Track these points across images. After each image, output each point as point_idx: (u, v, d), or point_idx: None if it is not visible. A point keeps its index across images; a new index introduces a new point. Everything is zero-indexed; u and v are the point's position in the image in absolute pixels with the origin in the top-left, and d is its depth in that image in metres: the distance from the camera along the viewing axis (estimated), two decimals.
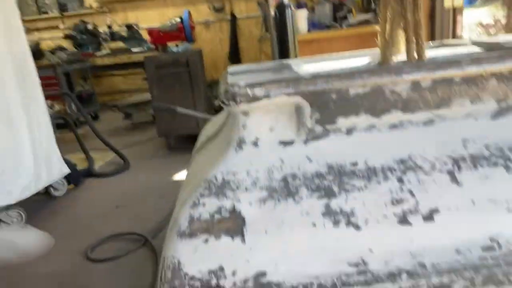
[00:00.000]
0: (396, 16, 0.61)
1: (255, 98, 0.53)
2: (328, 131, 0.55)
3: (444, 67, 0.54)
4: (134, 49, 5.90)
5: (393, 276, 0.44)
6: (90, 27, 6.03)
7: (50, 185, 2.91)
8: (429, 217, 0.48)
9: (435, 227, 0.48)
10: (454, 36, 2.76)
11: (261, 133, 0.55)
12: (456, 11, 2.74)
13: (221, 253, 0.47)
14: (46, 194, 3.03)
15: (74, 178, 3.13)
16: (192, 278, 0.46)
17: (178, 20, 3.83)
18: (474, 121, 0.55)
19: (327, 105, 0.54)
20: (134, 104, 4.71)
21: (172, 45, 3.98)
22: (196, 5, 6.44)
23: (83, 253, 2.35)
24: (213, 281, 0.46)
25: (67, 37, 5.96)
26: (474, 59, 0.54)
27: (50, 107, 4.28)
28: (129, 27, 6.15)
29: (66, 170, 2.96)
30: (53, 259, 2.34)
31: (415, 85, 0.54)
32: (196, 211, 0.49)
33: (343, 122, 0.55)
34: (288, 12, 1.88)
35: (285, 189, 0.51)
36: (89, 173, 3.45)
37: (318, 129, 0.55)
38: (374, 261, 0.46)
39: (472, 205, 0.49)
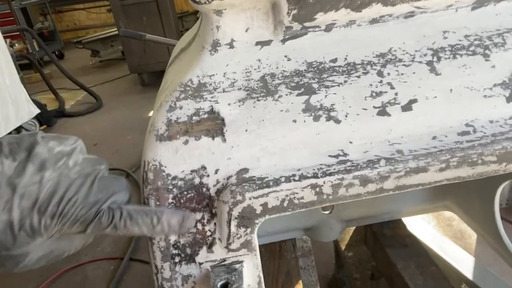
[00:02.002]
0: None
1: None
2: (307, 28, 0.53)
3: None
4: None
5: (371, 163, 0.45)
6: None
7: (21, 127, 2.83)
8: (407, 107, 0.48)
9: (413, 116, 0.48)
10: None
11: (236, 34, 0.52)
12: None
13: (203, 153, 0.46)
14: None
15: (46, 118, 3.03)
16: (175, 178, 0.46)
17: None
18: (454, 12, 0.54)
19: (305, 1, 0.51)
20: (100, 39, 4.44)
21: None
22: None
23: None
24: (196, 180, 0.46)
25: None
26: None
27: (10, 45, 4.00)
28: None
29: (36, 111, 2.86)
30: None
31: None
32: (174, 114, 0.47)
33: (322, 18, 0.53)
34: None
35: (264, 88, 0.49)
36: (61, 113, 3.34)
37: (296, 27, 0.53)
38: (354, 152, 0.47)
39: (450, 94, 0.49)
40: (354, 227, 1.55)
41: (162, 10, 3.58)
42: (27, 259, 0.40)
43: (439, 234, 1.52)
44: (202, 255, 0.47)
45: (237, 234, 0.46)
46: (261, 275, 0.49)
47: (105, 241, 2.05)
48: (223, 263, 0.47)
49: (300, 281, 1.21)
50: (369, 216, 1.37)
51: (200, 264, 0.47)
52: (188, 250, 0.47)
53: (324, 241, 1.36)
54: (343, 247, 1.49)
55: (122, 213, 0.41)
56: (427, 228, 1.48)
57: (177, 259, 0.47)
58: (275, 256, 1.34)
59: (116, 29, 4.24)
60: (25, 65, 4.65)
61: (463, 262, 1.34)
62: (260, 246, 1.43)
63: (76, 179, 0.40)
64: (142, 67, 3.90)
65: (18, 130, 2.98)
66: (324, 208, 1.32)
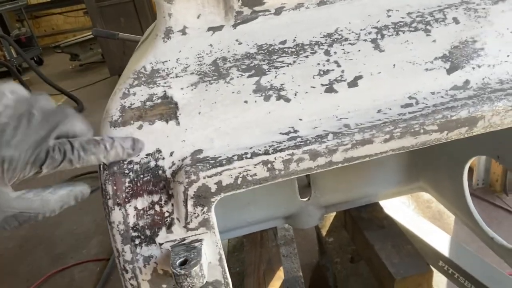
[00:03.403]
0: None
1: None
2: (257, 12, 0.55)
3: None
4: None
5: (320, 138, 0.47)
6: None
7: None
8: (353, 83, 0.51)
9: (359, 92, 0.50)
10: None
11: (188, 21, 0.53)
12: None
13: (157, 137, 0.48)
14: None
15: None
16: (130, 162, 0.47)
17: None
18: None
19: None
20: (78, 43, 4.40)
21: None
22: None
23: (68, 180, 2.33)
24: (152, 163, 0.47)
25: None
26: None
27: None
28: None
29: None
30: None
31: None
32: (127, 101, 0.49)
33: (271, 2, 0.54)
34: None
35: (216, 72, 0.51)
36: None
37: (247, 11, 0.54)
38: (304, 128, 0.49)
39: (393, 69, 0.51)
40: (334, 214, 1.58)
41: (139, 11, 3.55)
42: None
43: (416, 215, 1.56)
44: (162, 236, 0.49)
45: (194, 213, 0.48)
46: (222, 252, 0.51)
47: (91, 243, 2.05)
48: (182, 243, 0.49)
49: (281, 268, 1.23)
50: (347, 201, 1.40)
51: (161, 244, 0.49)
52: (148, 232, 0.48)
53: (304, 228, 1.39)
54: (324, 233, 1.52)
55: (74, 146, 0.40)
56: (405, 210, 1.52)
57: (137, 241, 0.48)
58: (256, 245, 1.36)
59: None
60: (3, 72, 4.57)
61: (440, 241, 1.38)
62: (242, 237, 1.45)
63: (9, 123, 0.37)
64: (122, 69, 3.85)
65: None
66: (302, 195, 1.35)
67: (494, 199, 1.86)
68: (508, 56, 0.52)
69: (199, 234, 0.49)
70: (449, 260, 1.28)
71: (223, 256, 0.51)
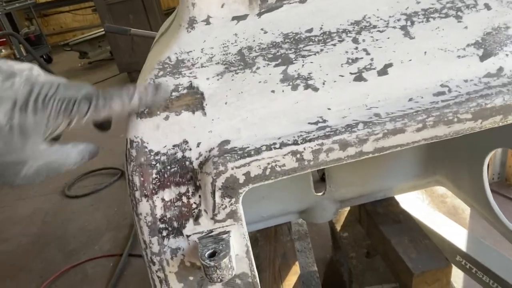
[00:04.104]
0: None
1: None
2: (282, 1, 0.54)
3: None
4: None
5: (350, 127, 0.46)
6: None
7: None
8: (383, 72, 0.49)
9: (389, 80, 0.49)
10: None
11: (212, 11, 0.52)
12: None
13: (184, 128, 0.47)
14: None
15: None
16: (157, 153, 0.47)
17: None
18: None
19: None
20: (87, 40, 4.41)
21: None
22: None
23: (61, 192, 2.36)
24: (179, 154, 0.47)
25: None
26: None
27: None
28: None
29: None
30: (31, 202, 2.34)
31: None
32: None
33: None
34: None
35: (242, 61, 0.50)
36: None
37: (271, 0, 0.53)
38: (333, 118, 0.47)
39: (424, 56, 0.50)
40: (348, 209, 1.57)
41: (148, 8, 3.55)
42: (25, 168, 0.40)
43: (432, 210, 1.54)
44: (189, 228, 0.48)
45: (222, 204, 0.47)
46: (249, 244, 0.50)
47: (103, 239, 2.06)
48: (210, 234, 0.48)
49: (297, 262, 1.22)
50: (362, 195, 1.39)
51: (188, 236, 0.48)
52: (175, 224, 0.48)
53: (319, 222, 1.38)
54: (338, 228, 1.51)
55: (99, 95, 0.42)
56: (420, 205, 1.50)
57: (164, 233, 0.48)
58: (271, 240, 1.35)
59: (103, 29, 4.21)
60: None
61: (457, 236, 1.36)
62: (256, 232, 1.44)
63: (45, 83, 0.41)
64: (131, 66, 3.88)
65: None
66: (317, 189, 1.34)
67: (510, 193, 1.84)
68: None
69: (227, 226, 0.48)
70: (467, 254, 1.26)
71: (250, 248, 0.50)
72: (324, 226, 1.66)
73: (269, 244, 1.33)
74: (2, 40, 4.69)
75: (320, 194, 1.33)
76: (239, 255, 0.49)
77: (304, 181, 1.28)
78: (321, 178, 1.38)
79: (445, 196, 1.95)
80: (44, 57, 5.26)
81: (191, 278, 0.50)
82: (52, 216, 2.29)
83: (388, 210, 1.38)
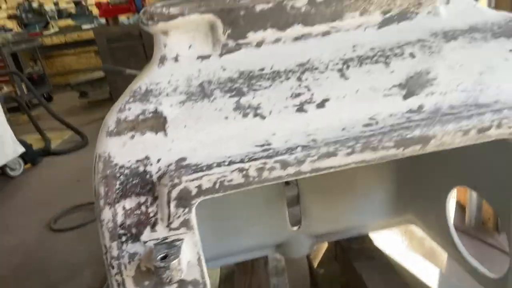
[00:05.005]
0: None
1: (171, 17, 0.60)
2: (240, 45, 0.63)
3: None
4: (84, 26, 5.69)
5: (290, 150, 0.54)
6: (35, 5, 5.73)
7: (6, 166, 2.88)
8: (321, 105, 0.58)
9: (326, 112, 0.57)
10: None
11: (181, 50, 0.62)
12: None
13: (147, 146, 0.55)
14: (2, 175, 2.99)
15: (30, 157, 3.09)
16: (122, 167, 0.54)
17: None
18: (363, 31, 0.65)
19: (237, 22, 0.62)
20: (88, 81, 4.59)
21: (123, 18, 3.88)
22: None
23: (46, 226, 2.38)
24: (141, 168, 0.54)
25: (11, 17, 5.65)
26: None
27: None
28: (77, 3, 5.89)
29: (21, 150, 2.93)
30: (16, 234, 2.35)
31: (311, 1, 0.63)
32: (123, 114, 0.56)
33: (253, 36, 0.63)
34: None
35: (202, 92, 0.59)
36: (46, 151, 3.40)
37: (231, 43, 0.63)
38: (276, 141, 0.55)
39: (356, 94, 0.59)
40: (326, 246, 1.60)
41: (148, 53, 3.75)
42: None
43: (408, 250, 1.57)
44: (146, 234, 0.54)
45: (176, 213, 0.53)
46: (201, 253, 0.56)
47: (84, 273, 2.05)
48: (165, 241, 0.54)
49: None
50: (337, 232, 1.44)
51: (145, 242, 0.54)
52: (134, 230, 0.54)
53: (295, 256, 1.41)
54: (315, 265, 1.54)
55: None
56: (396, 244, 1.54)
57: (123, 239, 0.54)
58: (247, 273, 1.38)
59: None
60: (14, 107, 4.72)
61: (429, 275, 1.39)
62: (234, 265, 1.47)
63: None
64: None
65: (3, 168, 3.01)
66: (292, 223, 1.38)
67: (487, 238, 1.87)
68: (457, 85, 0.59)
69: (180, 234, 0.54)
70: None
71: (202, 257, 0.56)
72: (303, 262, 1.68)
73: (245, 277, 1.35)
74: (5, 78, 4.87)
75: (295, 228, 1.38)
76: (191, 262, 0.55)
77: (280, 215, 1.33)
78: (299, 213, 1.43)
79: (424, 238, 1.98)
80: (45, 95, 5.43)
81: (146, 283, 0.55)
82: (35, 249, 2.29)
83: (362, 247, 1.42)
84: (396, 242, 2.01)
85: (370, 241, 1.43)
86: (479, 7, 0.68)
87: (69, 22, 6.01)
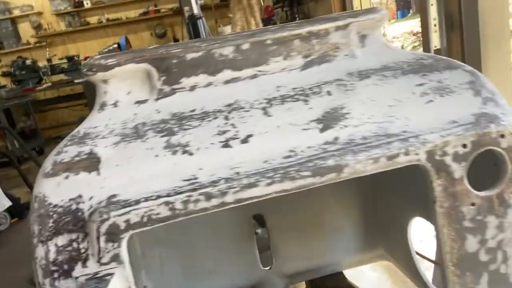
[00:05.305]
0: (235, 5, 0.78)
1: (109, 67, 0.66)
2: (175, 89, 0.70)
3: (257, 34, 0.71)
4: (77, 80, 5.88)
5: (214, 183, 0.58)
6: (29, 62, 5.94)
7: None
8: (245, 140, 0.63)
9: (250, 147, 0.62)
10: None
11: (120, 96, 0.68)
12: None
13: (80, 185, 0.59)
14: None
15: (18, 211, 3.08)
16: (55, 206, 0.57)
17: (116, 46, 3.90)
18: (287, 73, 0.72)
19: (171, 69, 0.69)
20: None
21: None
22: (138, 33, 6.54)
23: (30, 280, 2.32)
24: (73, 206, 0.57)
25: (5, 74, 5.85)
26: (281, 27, 0.72)
27: None
28: (70, 58, 6.13)
29: (8, 204, 2.94)
30: None
31: (237, 48, 0.70)
32: (59, 157, 0.61)
33: (186, 81, 0.70)
34: (200, 23, 2.04)
35: (135, 134, 0.64)
36: None
37: (167, 89, 0.70)
38: (203, 176, 0.60)
39: (277, 129, 0.64)
40: (304, 285, 1.59)
41: None
42: None
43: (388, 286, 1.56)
44: (78, 270, 0.56)
45: (106, 248, 0.56)
46: (133, 286, 0.58)
47: None
48: (96, 276, 0.56)
49: None
50: (309, 270, 1.43)
51: (76, 278, 0.56)
52: (66, 266, 0.56)
53: None
54: None
55: None
56: (371, 279, 1.53)
57: (56, 275, 0.56)
58: None
59: None
60: (5, 162, 4.76)
61: None
62: None
63: None
64: None
65: None
66: (264, 263, 1.39)
67: None
68: (369, 118, 0.65)
69: (111, 268, 0.57)
70: None
71: None
72: None
73: None
74: None
75: (267, 268, 1.37)
76: None
77: (250, 255, 1.34)
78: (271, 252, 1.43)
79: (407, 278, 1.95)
80: (37, 149, 5.49)
81: None
82: None
83: (336, 285, 1.41)
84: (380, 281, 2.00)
85: (344, 278, 1.43)
86: (392, 47, 0.76)
87: (62, 77, 6.21)
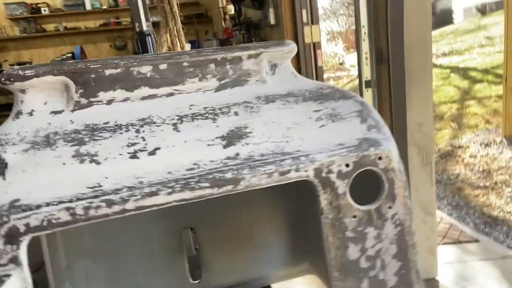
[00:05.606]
0: (163, 26, 0.84)
1: (27, 77, 0.69)
2: (92, 102, 0.74)
3: (175, 56, 0.77)
4: None
5: (117, 190, 0.62)
6: None
7: None
8: (152, 152, 0.68)
9: (156, 159, 0.67)
10: (316, 65, 3.25)
11: (36, 106, 0.71)
12: (315, 45, 3.24)
13: None
14: None
15: None
16: None
17: (70, 55, 3.81)
18: (201, 93, 0.79)
19: (89, 83, 0.73)
20: None
21: None
22: (97, 44, 6.43)
23: None
24: None
25: None
26: (198, 51, 0.78)
27: None
28: (22, 64, 5.88)
29: None
30: None
31: (155, 68, 0.76)
32: None
33: (103, 95, 0.74)
34: (149, 40, 2.08)
35: (46, 142, 0.67)
36: None
37: (84, 101, 0.73)
38: (107, 184, 0.64)
39: (184, 143, 0.70)
40: None
41: None
42: None
43: None
44: None
45: (4, 250, 0.58)
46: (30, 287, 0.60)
47: None
48: None
49: None
50: (239, 284, 1.47)
51: None
52: None
53: None
54: None
55: None
56: None
57: None
58: None
59: None
60: None
61: None
62: None
63: None
64: None
65: None
66: (193, 277, 1.41)
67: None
68: (269, 137, 0.73)
69: (8, 269, 0.59)
70: None
71: None
72: None
73: None
74: None
75: (196, 282, 1.40)
76: None
77: (179, 268, 1.36)
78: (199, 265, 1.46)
79: None
80: None
81: None
82: None
83: None
84: None
85: None
86: (299, 77, 0.85)
87: None
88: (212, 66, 0.79)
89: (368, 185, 0.74)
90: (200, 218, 1.33)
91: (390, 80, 1.76)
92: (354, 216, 0.70)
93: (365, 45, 1.80)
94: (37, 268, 0.91)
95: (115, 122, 0.72)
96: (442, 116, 5.39)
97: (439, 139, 4.49)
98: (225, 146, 0.71)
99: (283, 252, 1.48)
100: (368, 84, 1.86)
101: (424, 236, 1.58)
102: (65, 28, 5.97)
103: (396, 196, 0.71)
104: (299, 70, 2.93)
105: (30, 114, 0.71)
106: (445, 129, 4.85)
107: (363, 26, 1.92)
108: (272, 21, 3.36)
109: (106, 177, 0.65)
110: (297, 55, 3.13)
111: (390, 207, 0.71)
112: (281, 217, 1.41)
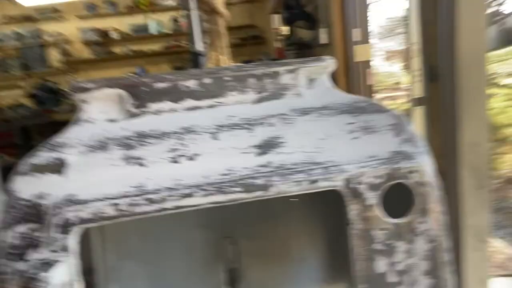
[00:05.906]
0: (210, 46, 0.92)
1: (88, 90, 0.79)
2: (143, 112, 0.82)
3: (218, 71, 0.83)
4: None
5: (157, 190, 0.68)
6: (52, 85, 6.27)
7: None
8: (191, 158, 0.74)
9: (195, 164, 0.73)
10: (365, 84, 3.22)
11: (93, 114, 0.81)
12: (365, 64, 3.22)
13: (45, 184, 0.70)
14: None
15: None
16: (22, 199, 0.68)
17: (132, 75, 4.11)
18: (240, 105, 0.84)
19: (140, 95, 0.81)
20: None
21: None
22: (159, 65, 6.87)
23: None
24: (36, 201, 0.68)
25: (30, 95, 6.17)
26: (239, 67, 0.84)
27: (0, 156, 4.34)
28: None
29: None
30: None
31: (199, 82, 0.83)
32: (33, 160, 0.72)
33: (152, 106, 0.82)
34: (201, 59, 2.21)
35: (100, 146, 0.75)
36: None
37: (135, 111, 0.82)
38: (150, 185, 0.70)
39: (221, 151, 0.75)
40: None
41: None
42: None
43: None
44: (31, 254, 0.66)
45: (56, 238, 0.66)
46: (78, 277, 0.67)
47: None
48: (44, 261, 0.66)
49: None
50: None
51: (28, 261, 0.66)
52: (21, 250, 0.66)
53: None
54: None
55: None
56: None
57: (11, 257, 0.66)
58: None
59: None
60: None
61: None
62: None
63: None
64: None
65: None
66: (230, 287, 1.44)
67: None
68: (301, 148, 0.75)
69: (59, 256, 0.66)
70: None
71: (78, 283, 0.67)
72: None
73: None
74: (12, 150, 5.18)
75: None
76: (65, 284, 0.66)
77: (218, 277, 1.40)
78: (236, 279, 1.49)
79: None
80: None
81: None
82: None
83: None
84: None
85: None
86: (335, 91, 0.87)
87: None
88: (252, 80, 0.84)
89: (405, 199, 0.73)
90: (240, 229, 1.36)
91: (442, 97, 1.71)
92: (383, 229, 0.70)
93: (417, 63, 1.77)
94: (87, 273, 1.00)
95: (161, 130, 0.79)
96: (506, 139, 5.00)
97: (503, 164, 4.17)
98: (258, 154, 0.74)
99: (320, 268, 1.47)
100: (420, 102, 1.81)
101: (474, 265, 1.48)
102: (131, 50, 6.47)
103: (429, 211, 0.69)
104: (348, 88, 2.92)
105: (89, 121, 0.80)
106: (510, 154, 4.49)
107: (415, 43, 1.89)
108: (324, 41, 3.39)
109: (149, 178, 0.71)
110: (346, 73, 3.12)
111: (421, 222, 0.69)
112: (320, 233, 1.40)
